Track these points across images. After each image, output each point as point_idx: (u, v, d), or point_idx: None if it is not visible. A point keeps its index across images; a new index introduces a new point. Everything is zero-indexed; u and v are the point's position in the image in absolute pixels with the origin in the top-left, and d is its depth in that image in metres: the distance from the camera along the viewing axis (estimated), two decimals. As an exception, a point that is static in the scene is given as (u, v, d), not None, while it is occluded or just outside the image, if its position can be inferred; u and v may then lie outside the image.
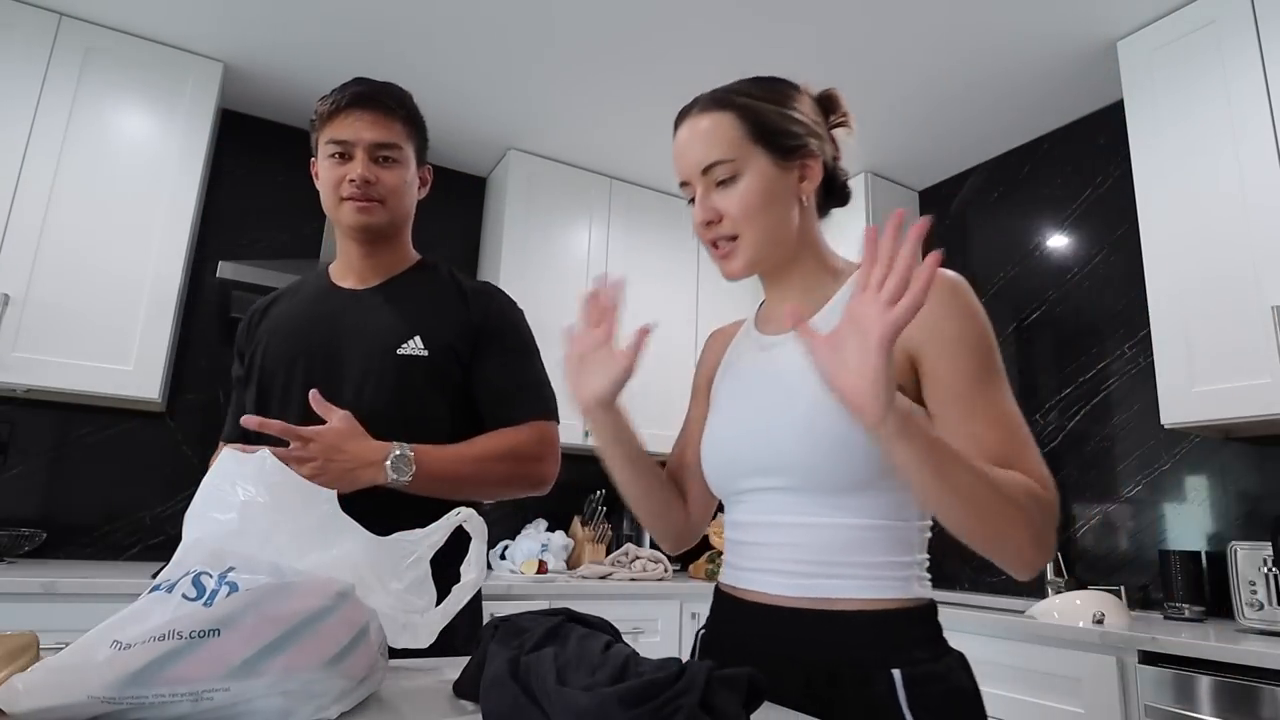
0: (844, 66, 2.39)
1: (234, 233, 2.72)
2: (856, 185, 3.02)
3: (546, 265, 2.95)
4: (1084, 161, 2.57)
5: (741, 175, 0.84)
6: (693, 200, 0.88)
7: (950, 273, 0.79)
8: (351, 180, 1.17)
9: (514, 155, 2.97)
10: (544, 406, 1.23)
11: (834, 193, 0.94)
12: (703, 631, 0.94)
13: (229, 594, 0.57)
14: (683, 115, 0.91)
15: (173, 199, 2.33)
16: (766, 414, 0.85)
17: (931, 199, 3.13)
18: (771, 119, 0.86)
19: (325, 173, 1.21)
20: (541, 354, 1.31)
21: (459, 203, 3.18)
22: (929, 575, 0.83)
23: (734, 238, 0.85)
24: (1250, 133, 1.86)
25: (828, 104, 0.93)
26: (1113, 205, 2.45)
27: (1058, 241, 2.61)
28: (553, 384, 1.27)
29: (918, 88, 2.49)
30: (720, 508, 0.98)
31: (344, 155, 1.19)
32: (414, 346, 1.17)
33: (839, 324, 0.66)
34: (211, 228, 2.67)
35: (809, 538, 0.80)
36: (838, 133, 0.94)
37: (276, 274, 2.32)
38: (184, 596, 0.56)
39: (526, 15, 2.23)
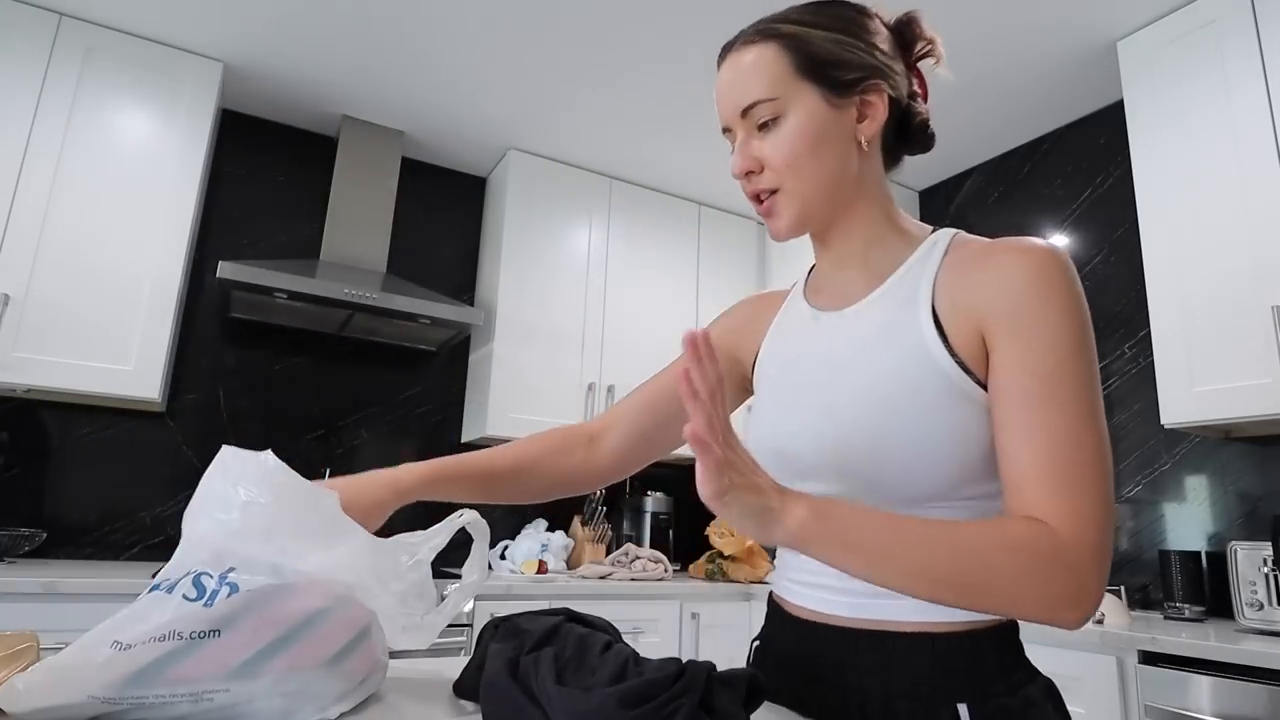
0: (844, 66, 2.39)
1: (234, 233, 2.72)
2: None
3: (546, 265, 2.95)
4: (1084, 161, 2.57)
5: (786, 116, 0.71)
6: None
7: (1053, 247, 0.66)
8: None
9: (514, 155, 2.97)
10: None
11: (909, 136, 0.79)
12: (757, 643, 0.84)
13: (229, 594, 0.57)
14: (725, 51, 0.77)
15: (173, 199, 2.33)
16: (822, 408, 0.72)
17: (931, 199, 3.14)
18: (823, 48, 0.72)
19: None
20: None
21: (459, 203, 3.18)
22: None
23: (776, 190, 0.73)
24: (1250, 133, 1.86)
25: (906, 31, 0.78)
26: (1113, 205, 2.45)
27: (1058, 241, 2.61)
28: None
29: (918, 88, 2.49)
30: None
31: None
32: None
33: None
34: (211, 228, 2.67)
35: None
36: (924, 64, 0.79)
37: (277, 274, 2.32)
38: (184, 597, 0.57)
39: (527, 15, 2.23)
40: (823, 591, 0.73)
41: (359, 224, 2.73)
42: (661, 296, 3.16)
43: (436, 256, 3.08)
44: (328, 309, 2.50)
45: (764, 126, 0.73)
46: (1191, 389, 1.89)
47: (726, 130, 0.77)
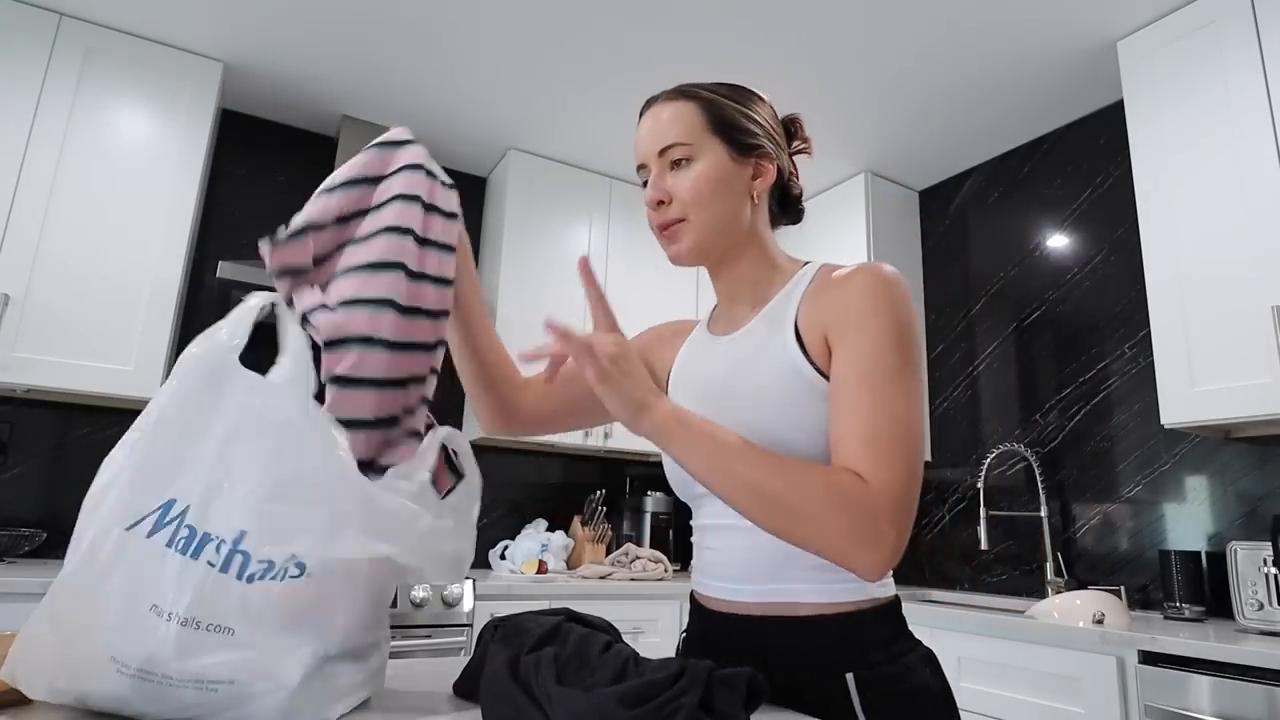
0: (844, 66, 2.39)
1: (234, 233, 2.72)
2: (856, 185, 3.02)
3: (546, 265, 2.95)
4: (1084, 161, 2.57)
5: (696, 160, 0.86)
6: (647, 184, 0.90)
7: (885, 268, 0.81)
8: None
9: (514, 155, 2.97)
10: None
11: (787, 208, 0.97)
12: (684, 634, 0.96)
13: (247, 572, 0.57)
14: (647, 105, 0.92)
15: (172, 199, 2.33)
16: (715, 413, 0.84)
17: (931, 199, 3.13)
18: (731, 114, 0.89)
19: None
20: None
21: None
22: (889, 573, 0.80)
23: (682, 220, 0.87)
24: (1250, 133, 1.86)
25: (790, 127, 0.96)
26: (1113, 205, 2.45)
27: (1058, 241, 2.61)
28: None
29: (917, 87, 2.49)
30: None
31: None
32: None
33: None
34: (211, 228, 2.67)
35: (761, 541, 0.80)
36: (799, 158, 0.97)
37: (276, 274, 2.32)
38: (209, 564, 0.56)
39: (527, 15, 2.23)
40: (729, 583, 0.85)
41: (359, 224, 2.73)
42: (661, 296, 3.16)
43: None
44: (328, 309, 2.50)
45: (676, 165, 0.87)
46: (1191, 389, 1.89)
47: (642, 167, 0.91)
